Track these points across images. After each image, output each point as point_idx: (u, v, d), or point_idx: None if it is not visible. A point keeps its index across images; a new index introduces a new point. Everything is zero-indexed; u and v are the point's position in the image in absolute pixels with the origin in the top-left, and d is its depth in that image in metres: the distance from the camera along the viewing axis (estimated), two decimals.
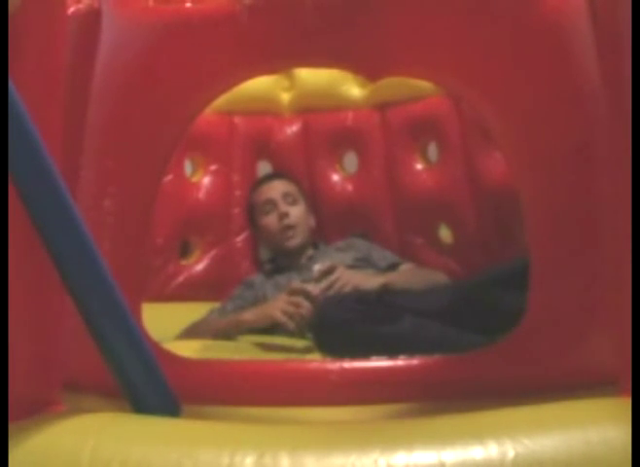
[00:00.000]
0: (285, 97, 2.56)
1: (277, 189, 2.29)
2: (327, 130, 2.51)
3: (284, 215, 2.23)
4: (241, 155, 2.55)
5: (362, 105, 2.47)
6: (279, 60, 1.27)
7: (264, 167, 2.59)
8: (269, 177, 2.41)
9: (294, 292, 1.83)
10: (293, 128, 2.55)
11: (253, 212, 2.34)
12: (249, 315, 1.92)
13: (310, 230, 2.30)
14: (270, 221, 2.26)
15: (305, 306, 1.80)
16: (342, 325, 1.61)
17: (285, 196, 2.27)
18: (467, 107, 2.17)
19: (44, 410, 1.07)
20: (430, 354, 1.28)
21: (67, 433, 0.96)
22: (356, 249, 2.25)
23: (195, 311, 2.09)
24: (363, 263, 2.18)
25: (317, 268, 2.00)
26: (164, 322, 1.74)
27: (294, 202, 2.27)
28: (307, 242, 2.27)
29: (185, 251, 2.36)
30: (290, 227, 2.22)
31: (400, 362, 1.26)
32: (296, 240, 2.23)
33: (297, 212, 2.25)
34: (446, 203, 2.30)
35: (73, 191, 1.07)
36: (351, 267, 2.14)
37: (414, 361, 1.26)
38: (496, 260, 1.99)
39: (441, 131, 2.32)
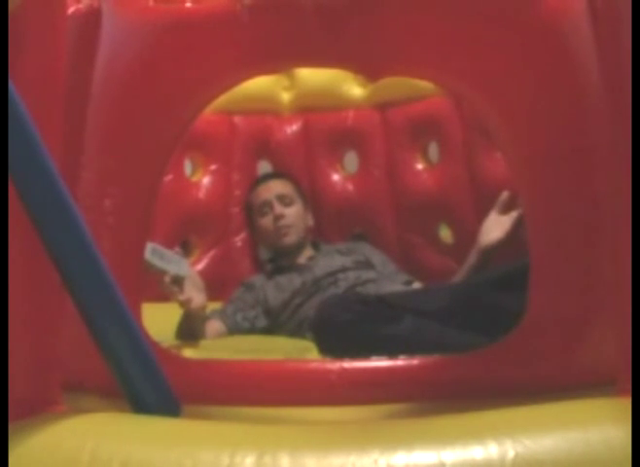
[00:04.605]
0: (285, 97, 2.56)
1: (273, 190, 2.29)
2: (327, 130, 2.51)
3: (279, 217, 2.23)
4: (241, 154, 2.55)
5: (362, 105, 2.47)
6: (280, 60, 1.27)
7: (264, 167, 2.58)
8: (266, 177, 2.41)
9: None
10: (293, 128, 2.55)
11: (250, 213, 2.35)
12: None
13: (308, 229, 2.31)
14: (266, 222, 2.26)
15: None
16: (342, 325, 1.61)
17: (281, 197, 2.27)
18: (467, 107, 2.17)
19: (44, 410, 1.07)
20: (430, 354, 1.28)
21: (67, 433, 0.96)
22: (357, 252, 2.25)
23: None
24: (363, 265, 2.18)
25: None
26: (164, 322, 1.73)
27: (290, 203, 2.27)
28: (305, 241, 2.27)
29: (185, 251, 2.36)
30: (285, 227, 2.23)
31: (400, 362, 1.27)
32: (291, 238, 2.23)
33: (292, 213, 2.26)
34: (447, 203, 2.30)
35: (73, 191, 1.07)
36: (351, 269, 2.14)
37: (414, 361, 1.26)
38: (497, 260, 1.99)
39: (441, 131, 2.32)
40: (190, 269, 1.81)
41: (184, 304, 1.76)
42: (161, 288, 1.71)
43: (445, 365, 1.26)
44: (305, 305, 2.06)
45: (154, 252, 1.64)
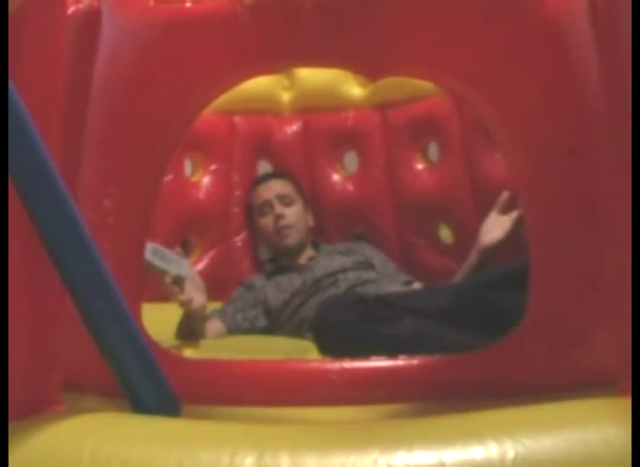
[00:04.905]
0: (285, 97, 2.56)
1: (273, 190, 2.29)
2: (327, 130, 2.51)
3: (279, 217, 2.23)
4: (241, 154, 2.55)
5: (362, 105, 2.47)
6: (279, 60, 1.27)
7: (264, 167, 2.58)
8: (266, 177, 2.41)
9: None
10: (293, 128, 2.55)
11: (250, 213, 2.35)
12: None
13: (308, 229, 2.31)
14: (267, 222, 2.26)
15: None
16: (342, 325, 1.61)
17: (281, 196, 2.27)
18: (467, 107, 2.17)
19: (44, 410, 1.07)
20: (430, 354, 1.28)
21: (67, 433, 0.96)
22: (357, 253, 2.25)
23: None
24: (363, 266, 2.18)
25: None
26: (164, 322, 1.74)
27: (290, 203, 2.27)
28: (305, 242, 2.27)
29: (185, 251, 2.36)
30: (285, 227, 2.23)
31: (400, 362, 1.27)
32: (292, 239, 2.23)
33: (293, 213, 2.25)
34: (447, 203, 2.30)
35: (73, 191, 1.07)
36: (351, 269, 2.14)
37: (414, 361, 1.26)
38: (497, 260, 1.99)
39: (441, 131, 2.31)
40: (190, 269, 1.81)
41: (185, 304, 1.77)
42: (162, 288, 1.71)
43: (445, 365, 1.26)
44: (305, 306, 2.06)
45: (154, 252, 1.64)
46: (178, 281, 1.72)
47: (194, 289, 1.77)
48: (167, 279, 1.69)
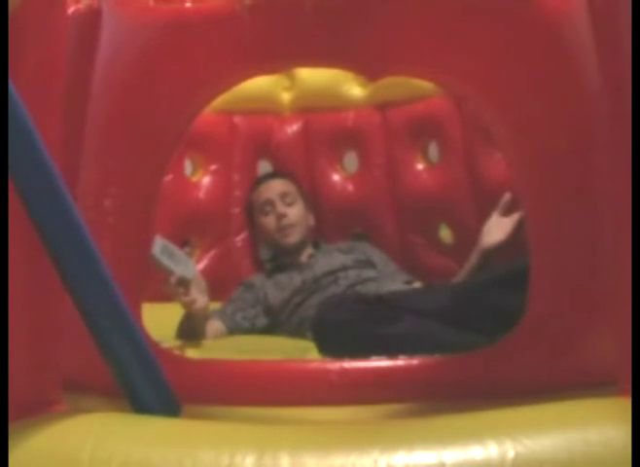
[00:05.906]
0: (285, 97, 2.56)
1: (275, 189, 2.29)
2: (327, 130, 2.51)
3: (282, 216, 2.24)
4: (241, 154, 2.55)
5: (363, 105, 2.47)
6: (279, 60, 1.27)
7: (264, 167, 2.59)
8: (268, 177, 2.41)
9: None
10: (293, 128, 2.55)
11: (252, 212, 2.35)
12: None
13: (309, 228, 2.31)
14: (268, 221, 2.26)
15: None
16: (342, 325, 1.61)
17: (283, 196, 2.27)
18: (468, 107, 2.17)
19: (44, 410, 1.07)
20: (430, 354, 1.28)
21: (67, 433, 0.96)
22: (358, 251, 2.26)
23: None
24: (364, 264, 2.18)
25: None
26: (164, 322, 1.74)
27: (292, 203, 2.27)
28: (306, 241, 2.27)
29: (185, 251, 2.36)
30: (287, 227, 2.23)
31: (400, 362, 1.27)
32: (293, 238, 2.23)
33: (294, 212, 2.26)
34: (447, 203, 2.30)
35: (73, 191, 1.07)
36: (352, 267, 2.14)
37: (414, 361, 1.26)
38: (497, 261, 1.99)
39: (441, 131, 2.32)
40: (195, 270, 1.81)
41: (188, 305, 1.76)
42: (166, 288, 1.71)
43: (445, 365, 1.26)
44: (305, 304, 2.06)
45: (163, 249, 1.63)
46: (183, 282, 1.71)
47: (197, 290, 1.77)
48: (172, 280, 1.69)
